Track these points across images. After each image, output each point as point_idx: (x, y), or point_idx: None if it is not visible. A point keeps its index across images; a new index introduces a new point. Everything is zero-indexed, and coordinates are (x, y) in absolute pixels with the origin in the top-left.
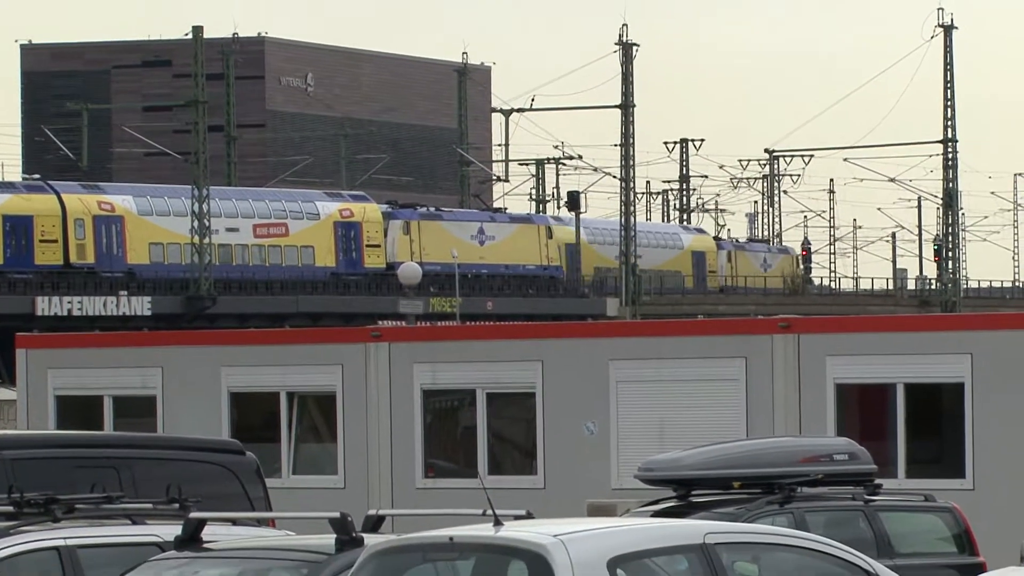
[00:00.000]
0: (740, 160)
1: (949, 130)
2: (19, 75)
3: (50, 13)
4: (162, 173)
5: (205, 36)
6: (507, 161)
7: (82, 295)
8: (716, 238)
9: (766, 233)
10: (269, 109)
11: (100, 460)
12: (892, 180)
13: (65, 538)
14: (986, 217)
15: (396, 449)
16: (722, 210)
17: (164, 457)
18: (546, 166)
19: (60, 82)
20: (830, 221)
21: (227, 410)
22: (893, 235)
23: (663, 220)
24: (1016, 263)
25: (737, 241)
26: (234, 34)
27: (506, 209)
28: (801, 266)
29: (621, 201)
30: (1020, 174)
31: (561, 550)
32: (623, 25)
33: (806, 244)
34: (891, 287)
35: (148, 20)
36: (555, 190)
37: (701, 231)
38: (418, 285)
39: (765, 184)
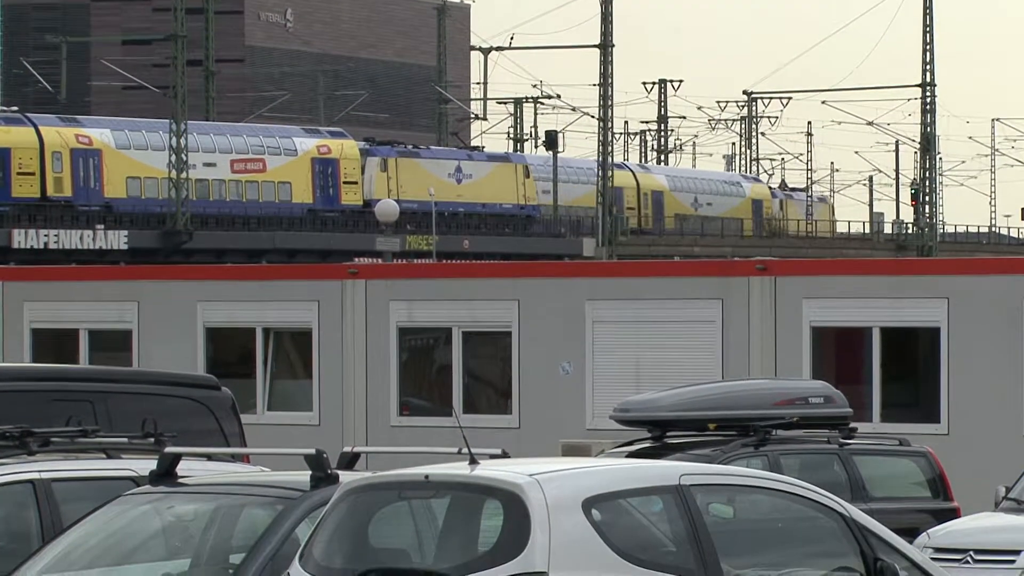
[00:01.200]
0: (718, 102)
1: (928, 74)
2: None
3: None
4: (141, 107)
5: None
6: (485, 100)
7: (59, 228)
8: (781, 187)
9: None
10: (248, 44)
11: (75, 394)
12: (870, 124)
13: (40, 471)
14: (963, 162)
15: (371, 386)
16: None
17: (139, 392)
18: (524, 105)
19: (39, 15)
20: (807, 164)
21: (203, 345)
22: (870, 179)
23: (641, 160)
24: (993, 208)
25: (786, 189)
26: None
27: (484, 148)
28: (834, 213)
29: (599, 141)
30: (998, 119)
31: (536, 489)
32: None
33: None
34: (868, 231)
35: None
36: (533, 129)
37: (758, 180)
38: (395, 223)
39: (743, 126)
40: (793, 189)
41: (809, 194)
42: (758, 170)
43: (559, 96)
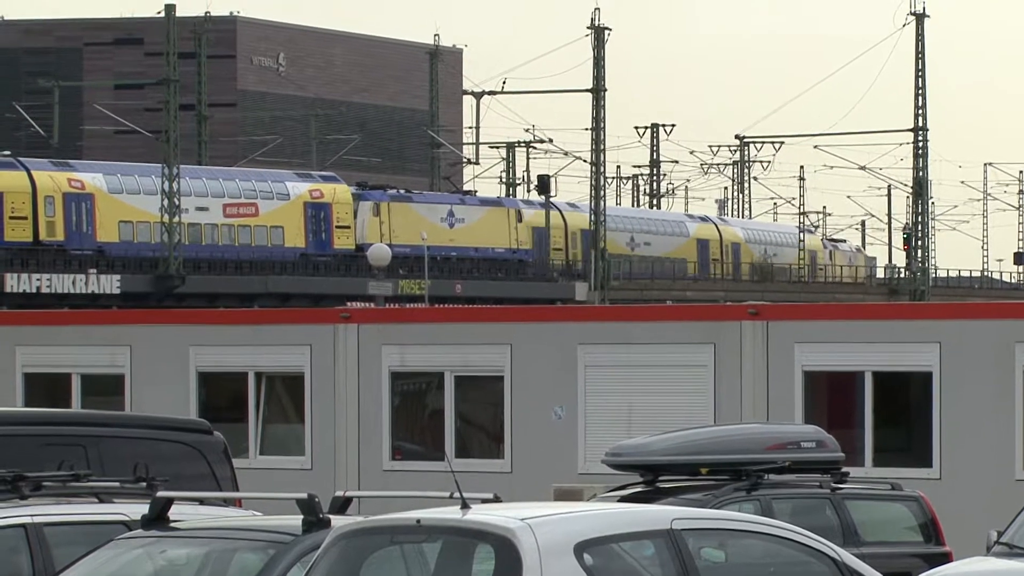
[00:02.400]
0: (711, 146)
1: (920, 119)
2: None
3: None
4: (133, 151)
5: (177, 15)
6: (477, 144)
7: (51, 272)
8: (825, 237)
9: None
10: (240, 89)
11: (68, 438)
12: (862, 168)
13: (32, 515)
14: (956, 206)
15: (364, 430)
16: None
17: (132, 436)
18: (517, 149)
19: (32, 59)
20: (800, 208)
21: (195, 389)
22: (863, 223)
23: (632, 205)
24: (985, 252)
25: (832, 241)
26: (206, 13)
27: (476, 192)
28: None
29: (591, 185)
30: (990, 163)
31: (528, 534)
32: (595, 8)
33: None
34: (860, 275)
35: None
36: (525, 173)
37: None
38: (387, 267)
39: (735, 170)
40: (834, 240)
41: (849, 245)
42: (751, 215)
43: (551, 140)
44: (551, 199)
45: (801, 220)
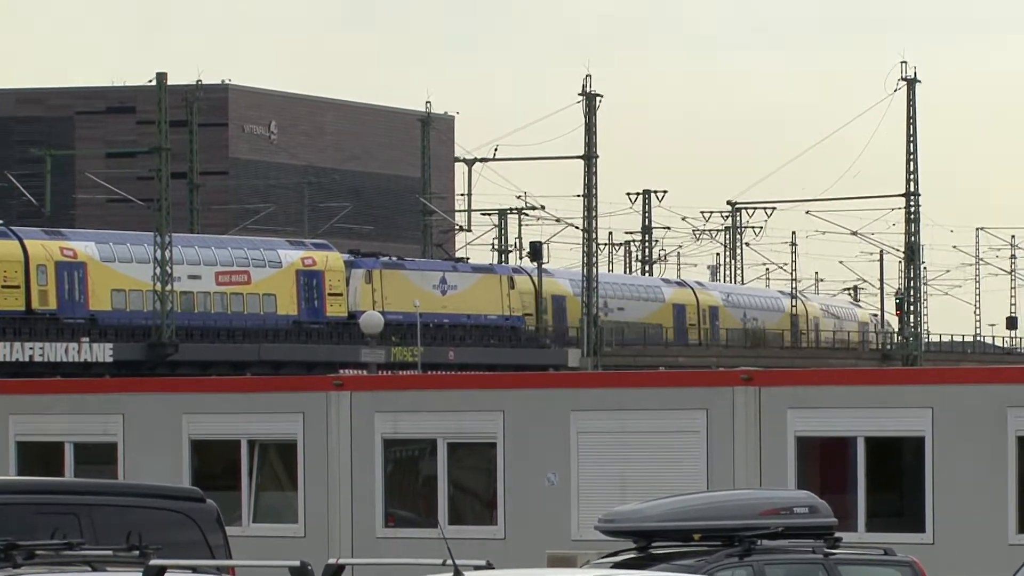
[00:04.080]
0: (703, 212)
1: (911, 183)
2: None
3: (13, 58)
4: (125, 220)
5: (169, 83)
6: (469, 211)
7: (44, 341)
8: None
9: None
10: (232, 156)
11: (61, 506)
12: (854, 233)
13: None
14: (948, 271)
15: (357, 498)
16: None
17: (125, 504)
18: (509, 216)
19: (23, 127)
20: (792, 274)
21: (188, 457)
22: (855, 288)
23: (625, 271)
24: (977, 317)
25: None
26: (198, 81)
27: (468, 259)
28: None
29: (583, 252)
30: (982, 228)
31: None
32: (586, 76)
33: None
34: (852, 340)
35: (112, 66)
36: (518, 240)
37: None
38: (380, 334)
39: (727, 236)
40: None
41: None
42: (743, 281)
43: (543, 207)
44: (543, 266)
45: (793, 286)
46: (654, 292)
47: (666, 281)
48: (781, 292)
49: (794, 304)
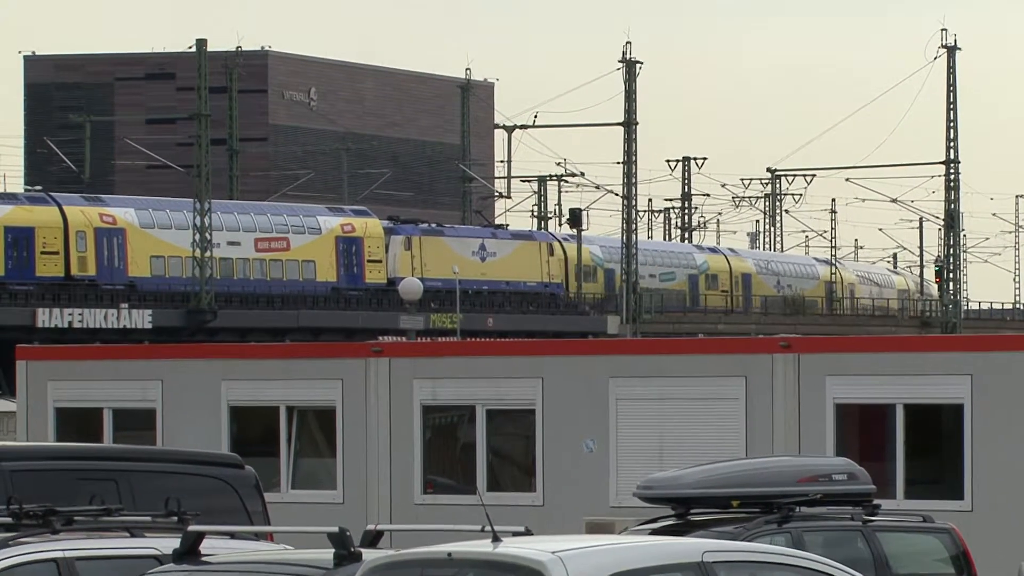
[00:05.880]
0: (742, 179)
1: (951, 151)
2: (23, 87)
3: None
4: (164, 186)
5: (209, 49)
6: (509, 178)
7: (83, 307)
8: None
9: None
10: (272, 123)
11: (99, 472)
12: (894, 201)
13: (63, 550)
14: (987, 238)
15: (395, 464)
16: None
17: (163, 470)
18: (548, 183)
19: (63, 94)
20: (832, 241)
21: (227, 424)
22: (894, 256)
23: (664, 238)
24: (1017, 284)
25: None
26: (238, 47)
27: (508, 226)
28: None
29: (623, 219)
30: (1022, 195)
31: (559, 566)
32: (627, 43)
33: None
34: (891, 308)
35: (152, 33)
36: (557, 207)
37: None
38: (419, 301)
39: (767, 203)
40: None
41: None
42: (783, 248)
43: (583, 174)
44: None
45: (833, 253)
46: (687, 259)
47: (699, 247)
48: (816, 259)
49: (833, 272)
